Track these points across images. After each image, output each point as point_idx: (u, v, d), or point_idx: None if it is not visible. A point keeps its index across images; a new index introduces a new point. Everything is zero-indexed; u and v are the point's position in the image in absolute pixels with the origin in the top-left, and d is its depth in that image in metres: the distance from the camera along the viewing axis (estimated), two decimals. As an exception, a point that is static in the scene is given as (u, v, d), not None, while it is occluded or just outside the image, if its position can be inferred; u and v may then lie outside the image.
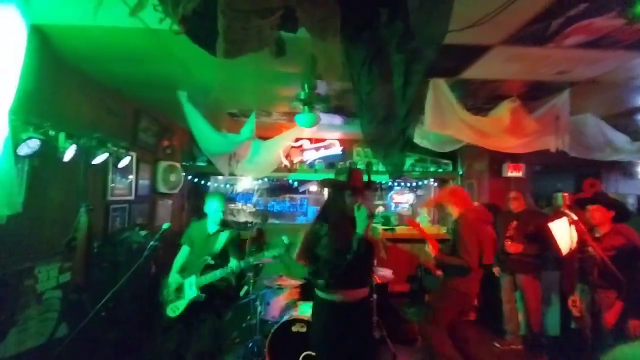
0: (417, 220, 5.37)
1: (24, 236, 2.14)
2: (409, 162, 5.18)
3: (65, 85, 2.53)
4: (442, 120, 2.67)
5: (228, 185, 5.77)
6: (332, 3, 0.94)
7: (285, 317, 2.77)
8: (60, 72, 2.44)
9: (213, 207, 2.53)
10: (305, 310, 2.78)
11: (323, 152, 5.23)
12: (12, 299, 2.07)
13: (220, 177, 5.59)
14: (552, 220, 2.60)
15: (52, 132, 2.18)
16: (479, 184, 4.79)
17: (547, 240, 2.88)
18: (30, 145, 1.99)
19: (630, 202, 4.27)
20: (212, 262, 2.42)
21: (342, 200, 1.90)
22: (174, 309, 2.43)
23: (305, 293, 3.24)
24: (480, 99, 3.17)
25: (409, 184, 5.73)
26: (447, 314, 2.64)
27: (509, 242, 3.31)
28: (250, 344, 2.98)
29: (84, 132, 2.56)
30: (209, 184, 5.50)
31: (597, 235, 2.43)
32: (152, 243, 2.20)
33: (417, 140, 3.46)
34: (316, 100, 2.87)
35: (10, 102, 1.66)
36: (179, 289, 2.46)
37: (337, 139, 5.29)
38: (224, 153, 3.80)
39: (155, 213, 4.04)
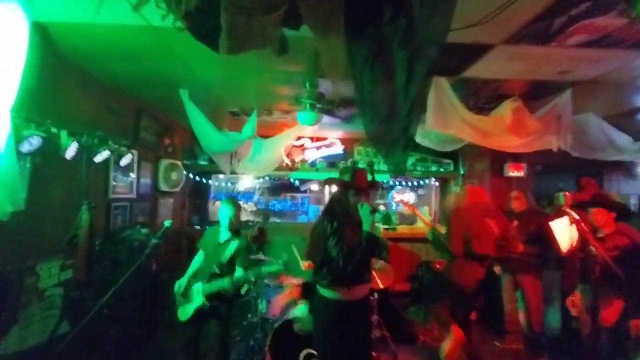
0: (418, 219, 5.37)
1: (25, 234, 2.15)
2: (410, 161, 5.18)
3: (67, 83, 2.53)
4: (444, 120, 2.67)
5: (229, 184, 5.77)
6: (335, 0, 0.94)
7: (287, 316, 2.77)
8: (62, 70, 2.45)
9: (222, 213, 2.53)
10: (305, 309, 2.78)
11: (324, 151, 5.23)
12: (14, 296, 2.07)
13: (221, 176, 5.60)
14: (554, 219, 2.60)
15: (53, 130, 2.19)
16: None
17: (548, 240, 2.88)
18: (32, 143, 2.00)
19: (633, 202, 4.26)
20: (217, 271, 2.43)
21: (346, 200, 1.92)
22: (184, 313, 2.44)
23: (306, 292, 3.24)
24: (482, 98, 3.16)
25: (410, 184, 5.73)
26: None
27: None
28: (252, 342, 2.98)
29: (86, 130, 2.56)
30: (210, 182, 5.51)
31: (600, 235, 2.43)
32: (153, 241, 2.20)
33: (418, 139, 3.45)
34: (318, 98, 2.87)
35: (13, 99, 1.66)
36: (188, 293, 2.47)
37: (339, 138, 5.28)
38: (225, 151, 3.80)
39: (156, 211, 4.05)
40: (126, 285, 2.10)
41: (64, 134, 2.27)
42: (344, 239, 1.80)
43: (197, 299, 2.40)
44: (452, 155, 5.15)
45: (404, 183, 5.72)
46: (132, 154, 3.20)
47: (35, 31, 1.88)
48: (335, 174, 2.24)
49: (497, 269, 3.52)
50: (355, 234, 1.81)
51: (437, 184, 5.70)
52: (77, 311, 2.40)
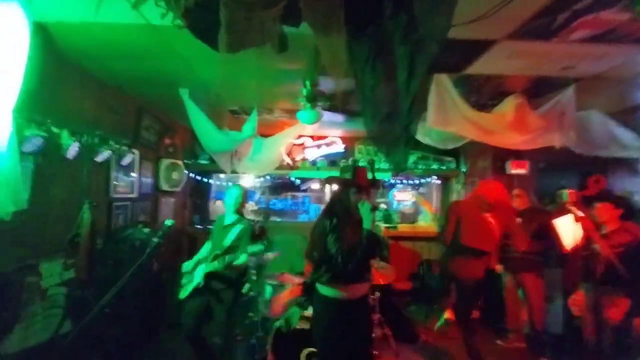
0: (419, 217, 5.37)
1: (27, 233, 2.15)
2: (411, 159, 5.16)
3: (68, 82, 2.53)
4: (446, 117, 2.65)
5: (230, 183, 5.78)
6: (335, -3, 0.92)
7: (288, 314, 2.77)
8: (62, 70, 2.45)
9: (229, 197, 2.58)
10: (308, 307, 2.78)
11: (325, 150, 5.22)
12: (16, 295, 2.08)
13: (222, 175, 5.60)
14: (557, 217, 2.58)
15: (55, 130, 2.19)
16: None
17: (550, 238, 2.86)
18: (34, 143, 2.00)
19: (637, 198, 4.22)
20: (219, 253, 2.46)
21: (347, 198, 1.93)
22: (184, 292, 2.48)
23: (307, 291, 3.24)
24: (484, 95, 3.14)
25: (411, 182, 5.71)
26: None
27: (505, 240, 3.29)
28: (253, 341, 2.99)
29: (87, 129, 2.56)
30: (211, 181, 5.51)
31: (604, 232, 2.41)
32: (154, 240, 2.20)
33: (419, 137, 3.44)
34: (318, 97, 2.86)
35: (14, 99, 1.66)
36: (193, 274, 2.50)
37: (339, 137, 5.27)
38: (225, 151, 3.80)
39: (157, 211, 4.06)
40: (127, 285, 2.11)
41: (65, 134, 2.27)
42: (343, 236, 1.80)
43: (197, 278, 2.43)
44: (454, 153, 5.13)
45: (405, 181, 5.70)
46: (133, 153, 3.20)
47: (35, 31, 1.88)
48: (336, 173, 2.24)
49: (498, 267, 3.51)
50: (355, 232, 1.82)
51: (438, 182, 5.68)
52: (79, 310, 2.40)
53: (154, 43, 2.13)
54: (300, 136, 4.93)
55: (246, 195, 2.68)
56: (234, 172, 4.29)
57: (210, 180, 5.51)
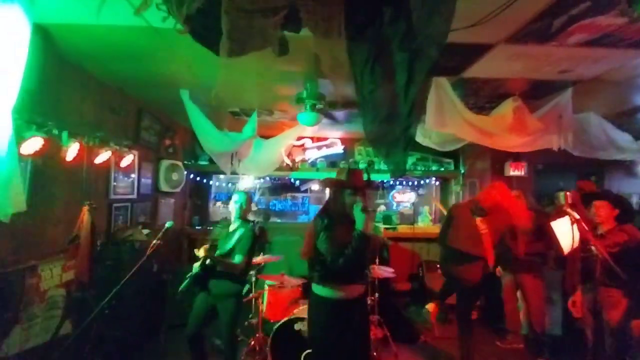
0: (419, 219, 5.38)
1: (27, 234, 2.16)
2: (410, 160, 5.18)
3: (68, 84, 2.54)
4: (445, 119, 2.66)
5: (230, 184, 5.78)
6: (336, 2, 0.94)
7: (288, 316, 2.78)
8: (63, 71, 2.45)
9: (234, 201, 2.61)
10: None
11: (325, 151, 5.23)
12: (16, 297, 2.08)
13: (222, 176, 5.60)
14: (554, 219, 2.59)
15: (55, 131, 2.19)
16: (481, 183, 4.78)
17: (549, 240, 2.87)
18: (34, 144, 2.00)
19: (634, 201, 4.25)
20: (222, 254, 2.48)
21: (342, 199, 1.95)
22: (183, 286, 2.49)
23: (307, 292, 3.25)
24: (482, 97, 3.16)
25: (410, 183, 5.73)
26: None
27: (511, 241, 3.30)
28: (252, 343, 2.99)
29: (87, 130, 2.57)
30: (210, 182, 5.51)
31: (599, 232, 2.42)
32: (154, 241, 2.21)
33: (419, 139, 3.45)
34: (318, 99, 2.87)
35: (14, 101, 1.67)
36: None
37: (339, 138, 5.29)
38: (225, 152, 3.80)
39: (157, 212, 4.06)
40: (127, 286, 2.11)
41: (65, 135, 2.27)
42: (333, 236, 1.82)
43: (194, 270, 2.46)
44: (453, 155, 5.15)
45: (404, 183, 5.72)
46: (133, 154, 3.21)
47: (36, 32, 1.89)
48: (334, 174, 2.25)
49: (498, 270, 3.51)
50: (347, 232, 1.83)
51: (437, 183, 5.70)
52: (79, 312, 2.41)
53: (155, 45, 2.14)
54: (300, 137, 4.94)
55: (250, 201, 2.70)
56: (234, 173, 4.30)
57: (210, 181, 5.51)
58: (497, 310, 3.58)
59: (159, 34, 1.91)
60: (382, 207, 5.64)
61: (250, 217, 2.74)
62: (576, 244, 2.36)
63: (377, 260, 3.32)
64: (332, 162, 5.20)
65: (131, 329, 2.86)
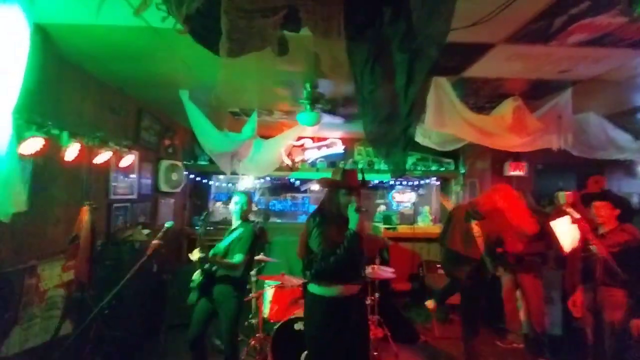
0: (419, 219, 5.38)
1: (27, 235, 2.15)
2: (410, 161, 5.18)
3: (68, 84, 2.54)
4: (444, 119, 2.66)
5: (230, 185, 5.78)
6: (335, 2, 0.94)
7: (288, 316, 2.77)
8: (63, 71, 2.45)
9: (234, 202, 2.60)
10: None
11: (325, 151, 5.23)
12: (15, 297, 2.08)
13: (222, 176, 5.60)
14: (554, 219, 2.60)
15: (55, 131, 2.19)
16: (481, 183, 4.78)
17: (548, 239, 2.87)
18: (34, 144, 2.00)
19: (634, 201, 4.25)
20: (219, 254, 2.47)
21: (337, 199, 1.96)
22: (189, 298, 2.49)
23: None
24: (482, 97, 3.16)
25: (410, 183, 5.73)
26: None
27: (510, 239, 3.30)
28: (253, 343, 2.99)
29: (87, 130, 2.56)
30: (210, 182, 5.51)
31: (601, 232, 2.42)
32: (154, 241, 2.21)
33: (419, 139, 3.45)
34: (318, 99, 2.87)
35: (14, 101, 1.66)
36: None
37: (339, 138, 5.29)
38: (225, 152, 3.80)
39: (157, 212, 4.06)
40: (127, 286, 2.11)
41: (65, 135, 2.27)
42: (325, 235, 1.83)
43: (195, 278, 2.46)
44: (453, 155, 5.15)
45: (404, 183, 5.72)
46: (133, 154, 3.20)
47: (36, 33, 1.88)
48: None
49: (500, 271, 3.50)
50: (340, 232, 1.84)
51: (437, 183, 5.70)
52: (78, 312, 2.41)
53: (155, 45, 2.14)
54: (300, 138, 4.94)
55: (251, 201, 2.69)
56: (233, 173, 4.30)
57: (210, 182, 5.51)
58: (497, 310, 3.58)
59: (158, 34, 1.91)
60: (382, 207, 5.64)
61: (251, 217, 2.74)
62: (577, 244, 2.36)
63: (377, 261, 3.32)
64: (332, 162, 5.20)
65: (131, 329, 2.86)
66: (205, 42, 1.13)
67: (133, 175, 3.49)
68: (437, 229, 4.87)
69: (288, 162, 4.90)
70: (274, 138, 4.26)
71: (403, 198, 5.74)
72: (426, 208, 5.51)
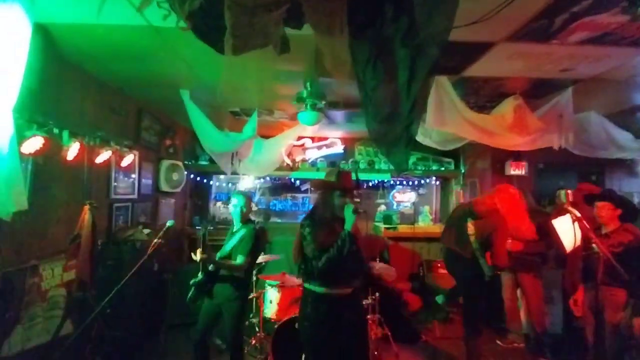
0: (419, 218, 5.38)
1: (28, 234, 2.15)
2: (411, 160, 5.18)
3: (69, 83, 2.54)
4: (445, 118, 2.66)
5: (230, 184, 5.78)
6: (337, -1, 0.93)
7: (289, 315, 2.77)
8: (63, 71, 2.45)
9: (233, 205, 2.57)
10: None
11: (325, 151, 5.23)
12: (17, 296, 2.08)
13: (222, 176, 5.60)
14: (555, 217, 2.59)
15: (55, 130, 2.19)
16: (481, 182, 4.78)
17: (549, 238, 2.87)
18: (34, 143, 2.00)
19: (635, 200, 4.25)
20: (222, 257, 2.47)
21: (331, 200, 1.96)
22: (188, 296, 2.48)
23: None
24: (483, 96, 3.16)
25: (410, 183, 5.72)
26: None
27: (510, 241, 3.30)
28: (254, 342, 2.99)
29: (88, 130, 2.56)
30: (211, 182, 5.51)
31: (604, 232, 2.42)
32: (156, 240, 2.21)
33: (419, 138, 3.45)
34: (318, 98, 2.87)
35: (15, 100, 1.67)
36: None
37: (339, 138, 5.28)
38: (226, 152, 3.81)
39: (158, 212, 4.06)
40: (128, 286, 2.11)
41: (65, 135, 2.27)
42: (319, 236, 1.84)
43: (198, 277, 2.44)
44: (453, 154, 5.15)
45: (404, 182, 5.72)
46: (134, 154, 3.20)
47: (36, 32, 1.88)
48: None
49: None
50: (334, 233, 1.84)
51: (438, 183, 5.70)
52: (80, 311, 2.40)
53: (156, 45, 2.14)
54: (300, 137, 4.94)
55: (250, 202, 2.68)
56: (234, 173, 4.31)
57: (211, 181, 5.51)
58: (497, 310, 3.58)
59: (159, 34, 1.91)
60: (383, 207, 5.63)
61: (251, 217, 2.73)
62: (578, 243, 2.35)
63: (377, 259, 3.32)
64: (332, 162, 5.20)
65: (132, 329, 2.86)
66: (208, 39, 1.13)
67: (134, 175, 3.49)
68: (437, 228, 4.87)
69: (288, 162, 4.90)
70: (275, 138, 4.26)
71: (403, 198, 5.73)
72: (426, 208, 5.51)
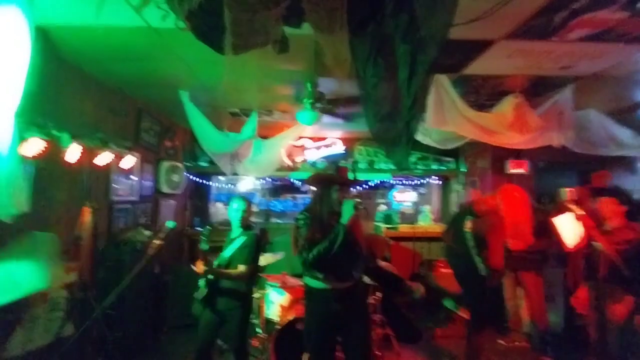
0: (420, 218, 5.37)
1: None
2: (411, 159, 5.17)
3: (69, 85, 2.54)
4: (445, 117, 2.66)
5: (230, 185, 5.78)
6: (337, -5, 0.93)
7: (290, 316, 2.77)
8: (63, 73, 2.45)
9: (232, 209, 2.50)
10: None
11: (325, 151, 5.22)
12: (18, 298, 2.07)
13: (222, 177, 5.60)
14: (556, 215, 2.59)
15: (55, 132, 2.19)
16: (481, 181, 4.78)
17: (551, 236, 2.86)
18: (34, 145, 2.00)
19: (636, 198, 4.23)
20: (221, 264, 2.42)
21: (328, 195, 1.97)
22: (194, 309, 2.44)
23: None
24: (483, 95, 3.16)
25: (411, 182, 5.72)
26: None
27: (510, 239, 3.29)
28: (255, 343, 2.98)
29: (87, 132, 2.56)
30: (211, 183, 5.51)
31: (607, 229, 2.40)
32: (156, 241, 2.20)
33: (419, 137, 3.44)
34: (318, 98, 2.87)
35: (17, 104, 1.66)
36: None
37: (339, 138, 5.28)
38: (225, 152, 3.80)
39: (158, 213, 4.05)
40: (129, 287, 2.11)
41: (65, 136, 2.27)
42: (313, 229, 1.86)
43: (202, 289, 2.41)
44: (453, 153, 5.14)
45: (405, 182, 5.71)
46: (134, 155, 3.20)
47: (36, 34, 1.88)
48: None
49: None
50: (329, 226, 1.86)
51: (438, 182, 5.69)
52: (80, 313, 2.40)
53: (155, 45, 2.14)
54: (300, 138, 4.93)
55: (250, 206, 2.58)
56: (234, 174, 4.30)
57: (211, 182, 5.51)
58: (498, 308, 3.57)
59: (158, 34, 1.91)
60: (383, 207, 5.63)
61: (251, 219, 2.68)
62: (580, 240, 2.34)
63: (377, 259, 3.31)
64: (332, 161, 5.19)
65: (132, 330, 2.86)
66: (207, 39, 1.13)
67: (134, 177, 3.49)
68: (438, 228, 4.86)
69: (288, 162, 4.89)
70: (274, 138, 4.25)
71: (404, 197, 5.72)
72: (427, 207, 5.50)
